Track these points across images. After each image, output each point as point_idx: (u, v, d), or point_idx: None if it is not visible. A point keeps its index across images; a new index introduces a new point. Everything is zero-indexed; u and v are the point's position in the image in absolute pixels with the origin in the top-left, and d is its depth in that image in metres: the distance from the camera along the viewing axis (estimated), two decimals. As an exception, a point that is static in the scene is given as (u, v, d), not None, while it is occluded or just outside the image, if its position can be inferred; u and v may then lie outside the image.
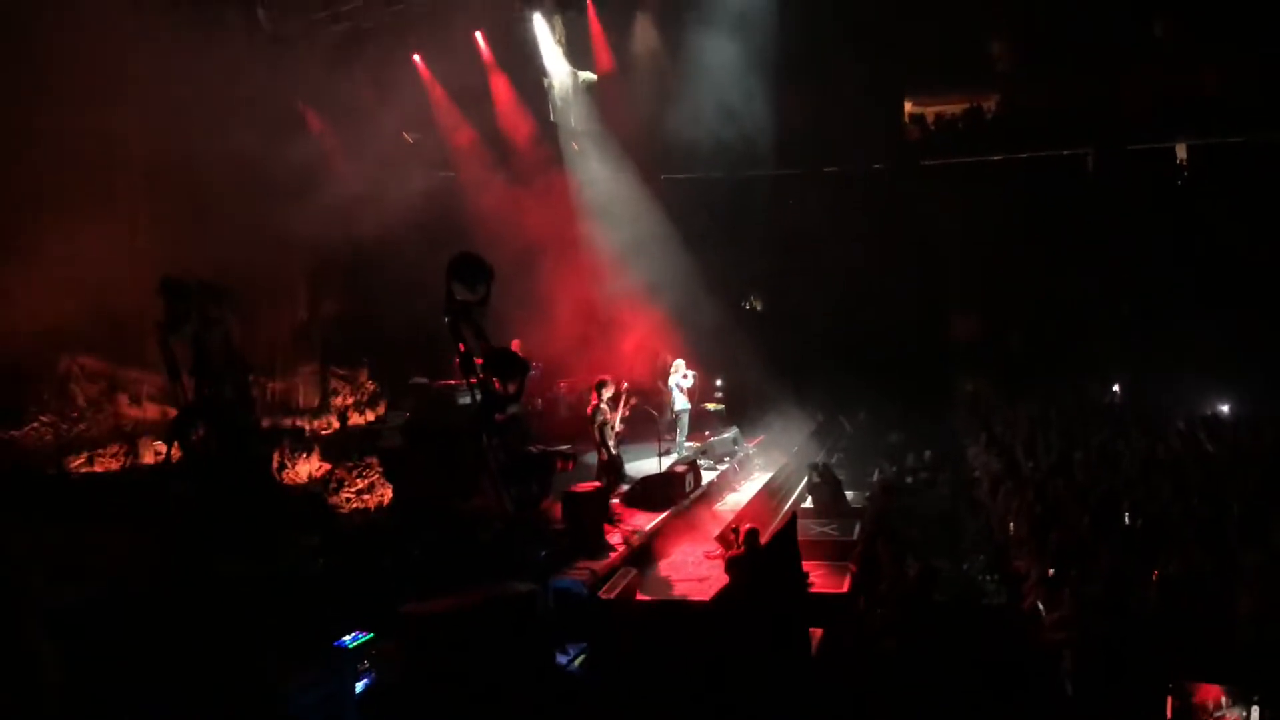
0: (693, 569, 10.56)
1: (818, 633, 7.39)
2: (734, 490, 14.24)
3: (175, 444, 9.78)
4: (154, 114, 12.57)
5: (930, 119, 24.33)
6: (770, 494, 14.06)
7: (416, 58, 17.44)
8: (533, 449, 10.85)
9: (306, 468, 12.87)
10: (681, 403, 14.86)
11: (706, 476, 13.63)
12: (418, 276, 12.88)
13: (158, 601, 7.34)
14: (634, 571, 9.44)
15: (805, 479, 14.22)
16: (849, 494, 13.39)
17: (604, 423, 12.05)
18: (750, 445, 16.08)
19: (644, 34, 19.69)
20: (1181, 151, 21.51)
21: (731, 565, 8.87)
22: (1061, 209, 20.90)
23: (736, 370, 17.77)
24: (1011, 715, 5.91)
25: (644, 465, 13.61)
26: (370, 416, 16.12)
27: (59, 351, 12.58)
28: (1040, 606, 7.81)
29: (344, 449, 13.40)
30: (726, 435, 15.61)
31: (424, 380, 14.91)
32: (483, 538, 9.13)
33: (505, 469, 9.19)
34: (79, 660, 6.19)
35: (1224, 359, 17.19)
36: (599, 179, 19.62)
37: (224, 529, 9.04)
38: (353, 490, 12.24)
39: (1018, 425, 16.50)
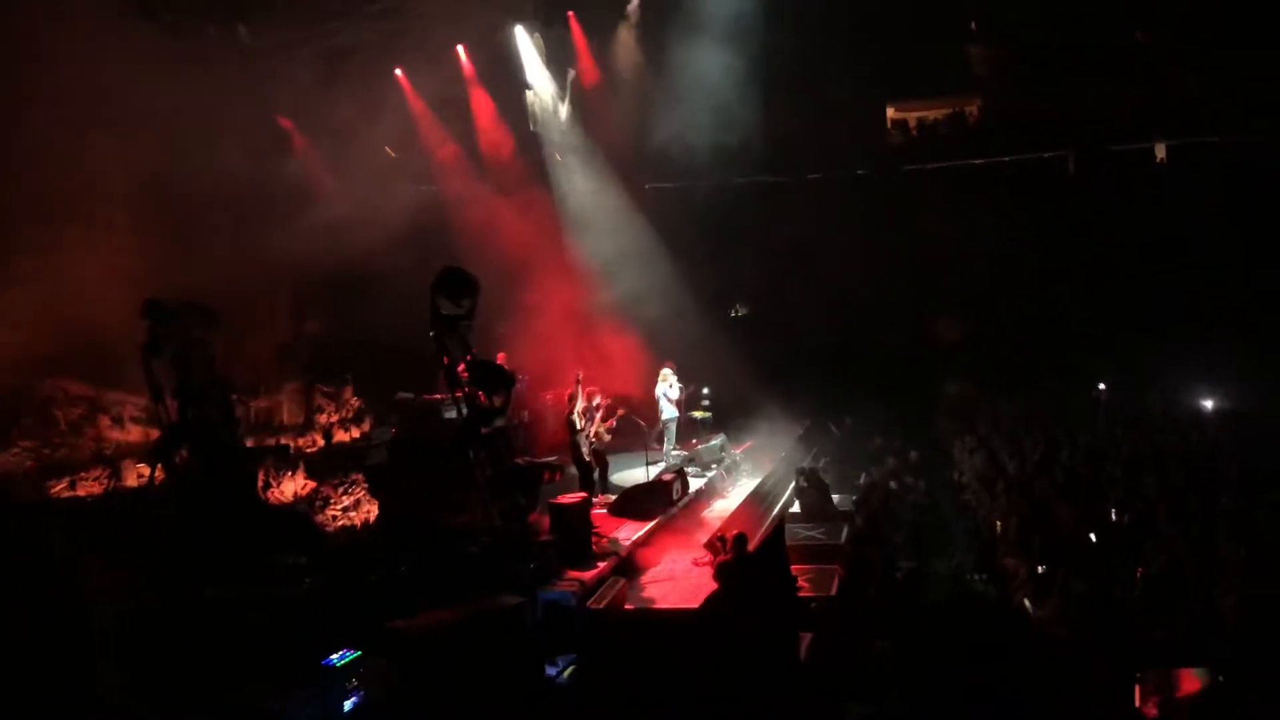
0: (682, 576, 10.53)
1: (807, 637, 7.38)
2: (722, 497, 14.27)
3: (159, 465, 9.73)
4: (134, 133, 12.53)
5: (912, 124, 24.49)
6: (758, 499, 14.06)
7: (399, 72, 17.47)
8: (519, 461, 10.86)
9: (292, 486, 12.76)
10: (669, 412, 14.88)
11: (694, 484, 13.64)
12: (403, 291, 12.89)
13: (147, 624, 7.27)
14: (622, 581, 9.41)
15: (793, 484, 14.23)
16: (836, 498, 13.40)
17: (577, 433, 12.40)
18: (737, 452, 16.11)
19: (626, 44, 19.77)
20: (1161, 151, 21.72)
21: (720, 571, 8.85)
22: (1044, 210, 21.06)
23: (723, 377, 17.77)
24: (1001, 711, 5.92)
25: (632, 474, 13.59)
26: (356, 433, 16.01)
27: (40, 375, 12.50)
28: (1028, 604, 7.84)
29: (329, 466, 13.34)
30: (714, 442, 15.60)
31: (409, 395, 14.86)
32: (470, 551, 9.09)
33: (492, 482, 9.20)
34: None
35: (1208, 356, 17.31)
36: (582, 190, 19.69)
37: (210, 549, 8.97)
38: (339, 508, 12.20)
39: (1003, 425, 16.57)
